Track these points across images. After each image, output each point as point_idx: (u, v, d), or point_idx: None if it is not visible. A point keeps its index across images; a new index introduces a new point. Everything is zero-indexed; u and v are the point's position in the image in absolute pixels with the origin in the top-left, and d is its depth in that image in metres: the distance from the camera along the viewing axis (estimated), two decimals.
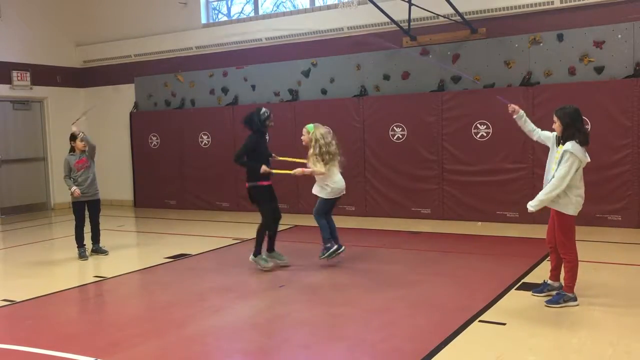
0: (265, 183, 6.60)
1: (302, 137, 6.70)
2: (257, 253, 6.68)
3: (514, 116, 5.52)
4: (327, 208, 6.77)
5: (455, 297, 5.47)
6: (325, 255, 6.64)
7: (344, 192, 6.81)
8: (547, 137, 5.34)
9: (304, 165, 6.70)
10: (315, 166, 6.52)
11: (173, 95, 12.54)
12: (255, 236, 6.71)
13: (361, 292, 5.72)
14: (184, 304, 5.60)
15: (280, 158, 6.88)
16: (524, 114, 5.52)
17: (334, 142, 6.63)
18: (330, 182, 6.61)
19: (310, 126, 6.65)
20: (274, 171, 6.63)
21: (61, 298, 5.97)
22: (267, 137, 6.83)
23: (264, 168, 6.48)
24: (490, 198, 9.24)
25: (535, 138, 5.49)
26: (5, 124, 12.41)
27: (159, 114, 12.62)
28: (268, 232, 6.78)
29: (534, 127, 5.50)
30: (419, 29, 9.80)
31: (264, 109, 6.70)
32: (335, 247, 6.66)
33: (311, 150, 6.56)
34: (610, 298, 5.26)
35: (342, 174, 6.73)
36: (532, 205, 5.03)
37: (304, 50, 10.97)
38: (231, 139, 11.07)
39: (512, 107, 5.51)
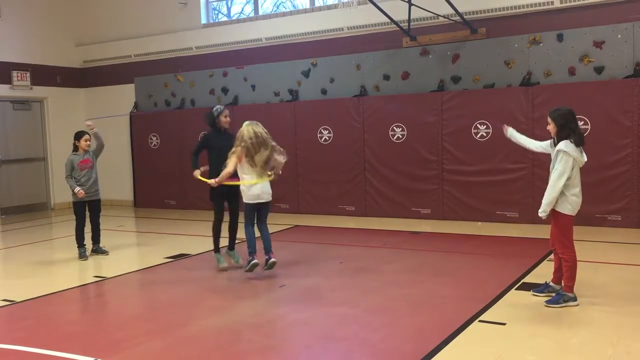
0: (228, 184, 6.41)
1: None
2: (215, 250, 6.94)
3: (507, 135, 5.55)
4: (252, 215, 6.41)
5: (455, 297, 5.46)
6: (247, 268, 6.33)
7: (262, 200, 6.33)
8: (545, 145, 5.33)
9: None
10: (228, 164, 6.23)
11: (173, 95, 12.54)
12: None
13: (361, 292, 5.71)
14: (184, 304, 5.60)
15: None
16: (514, 130, 5.54)
17: (263, 150, 6.17)
18: (246, 186, 6.28)
19: (245, 123, 6.31)
20: (200, 177, 6.56)
21: (61, 298, 5.97)
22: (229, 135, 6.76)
23: (195, 173, 6.61)
24: (490, 198, 9.24)
25: (534, 149, 5.49)
26: (5, 124, 12.42)
27: (159, 114, 12.62)
28: (228, 231, 6.98)
29: (529, 139, 5.51)
30: (419, 29, 9.80)
31: (217, 106, 6.88)
32: (254, 261, 6.27)
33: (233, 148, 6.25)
34: (610, 298, 5.26)
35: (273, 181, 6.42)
36: (541, 213, 5.09)
37: (304, 50, 10.97)
38: None
39: (504, 128, 5.55)
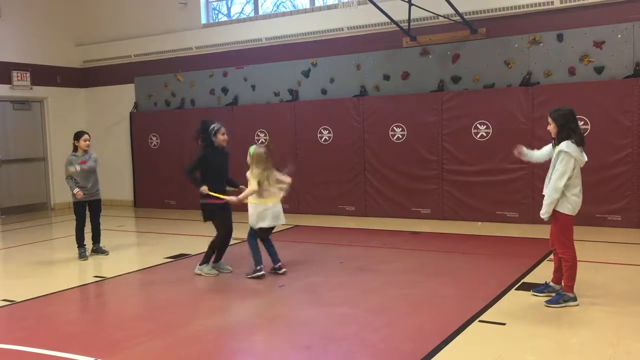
0: (215, 202, 6.29)
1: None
2: (203, 262, 6.63)
3: (522, 158, 5.53)
4: (258, 233, 6.43)
5: (455, 297, 5.47)
6: (251, 275, 6.30)
7: (277, 223, 6.42)
8: (548, 151, 5.32)
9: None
10: (249, 185, 6.25)
11: (173, 95, 12.54)
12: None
13: (361, 292, 5.72)
14: (184, 304, 5.60)
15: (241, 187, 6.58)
16: (527, 150, 5.53)
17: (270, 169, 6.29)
18: (259, 209, 6.30)
19: (252, 147, 6.39)
20: (211, 193, 6.31)
21: (61, 298, 5.97)
22: (227, 153, 6.69)
23: (203, 188, 6.30)
24: (490, 198, 9.24)
25: (543, 159, 5.47)
26: (5, 124, 12.42)
27: (159, 114, 12.62)
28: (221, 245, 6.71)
29: (537, 153, 5.50)
30: (419, 29, 9.80)
31: (215, 124, 6.53)
32: (260, 273, 6.28)
33: (249, 172, 6.30)
34: (610, 298, 5.26)
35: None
36: (543, 214, 5.10)
37: (304, 50, 10.97)
38: (230, 138, 11.03)
39: (517, 150, 5.52)
